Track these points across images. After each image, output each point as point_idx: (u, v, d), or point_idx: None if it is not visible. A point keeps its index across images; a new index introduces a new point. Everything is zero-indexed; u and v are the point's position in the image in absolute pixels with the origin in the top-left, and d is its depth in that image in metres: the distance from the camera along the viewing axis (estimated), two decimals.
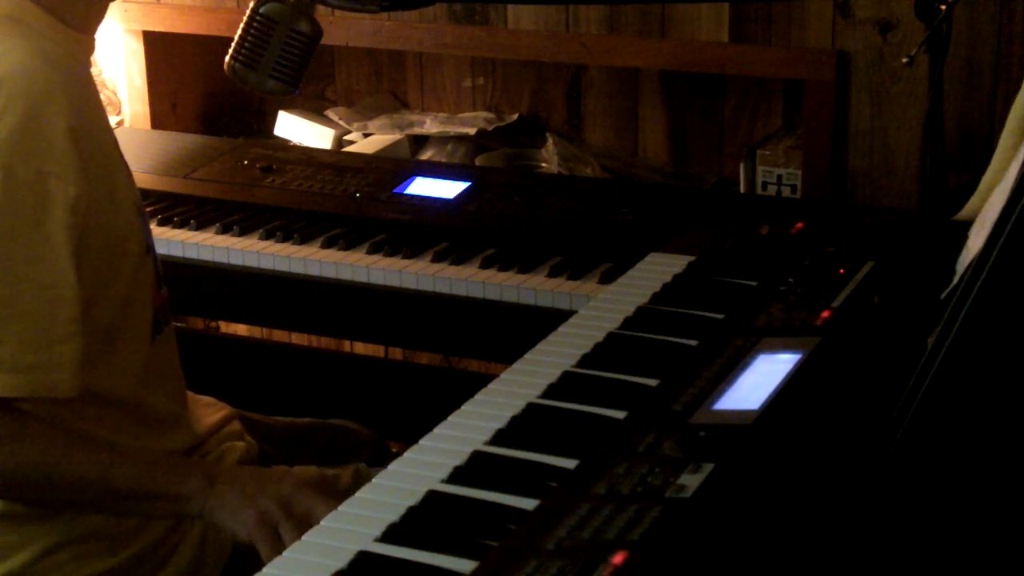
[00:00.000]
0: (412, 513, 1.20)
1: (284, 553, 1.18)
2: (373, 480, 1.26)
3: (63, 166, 1.52)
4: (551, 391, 1.41)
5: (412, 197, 2.44)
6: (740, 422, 1.27)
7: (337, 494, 1.44)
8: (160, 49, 2.98)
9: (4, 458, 1.52)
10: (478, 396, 1.41)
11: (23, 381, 1.51)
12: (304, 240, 2.36)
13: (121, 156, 1.70)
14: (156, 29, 2.94)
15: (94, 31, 1.69)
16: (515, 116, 2.86)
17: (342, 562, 1.13)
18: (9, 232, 1.50)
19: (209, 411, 1.91)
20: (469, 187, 2.44)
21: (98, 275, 1.59)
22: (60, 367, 1.53)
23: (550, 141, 2.76)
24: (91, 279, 1.57)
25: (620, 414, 1.33)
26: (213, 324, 3.17)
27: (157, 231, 2.33)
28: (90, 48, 1.70)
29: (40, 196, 1.51)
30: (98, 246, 1.59)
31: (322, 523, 1.21)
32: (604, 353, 1.50)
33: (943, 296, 1.39)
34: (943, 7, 1.88)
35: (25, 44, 1.55)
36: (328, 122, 2.94)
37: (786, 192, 2.52)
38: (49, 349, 1.52)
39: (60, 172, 1.52)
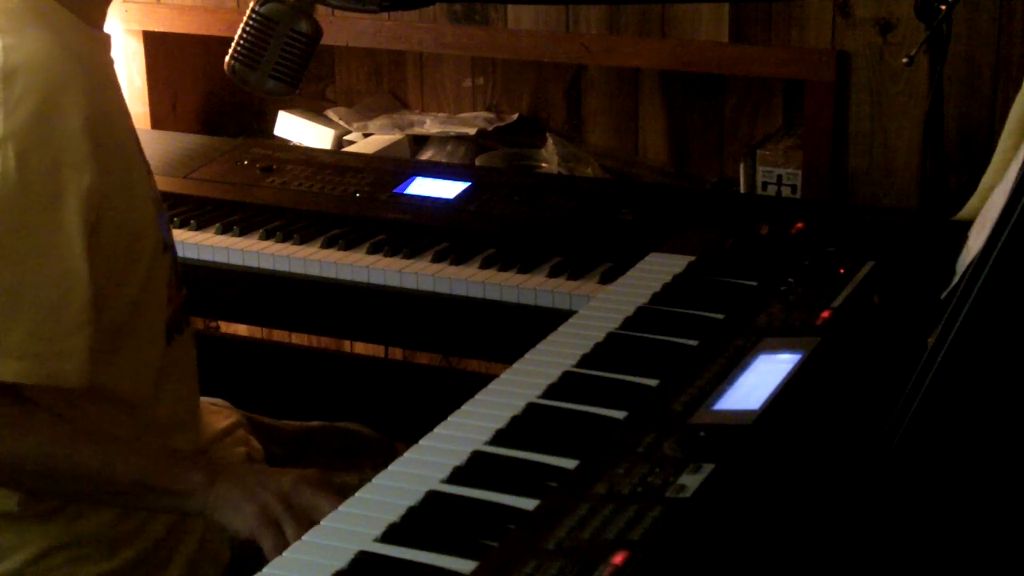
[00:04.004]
0: (412, 513, 1.20)
1: (284, 553, 1.18)
2: (373, 480, 1.26)
3: (78, 156, 1.52)
4: (551, 391, 1.41)
5: (412, 197, 2.44)
6: (740, 422, 1.27)
7: (340, 491, 1.44)
8: (160, 49, 2.98)
9: (8, 445, 1.51)
10: (478, 396, 1.41)
11: (31, 368, 1.50)
12: (304, 240, 2.36)
13: (141, 153, 1.70)
14: (156, 29, 2.94)
15: (101, 24, 1.69)
16: (515, 116, 2.86)
17: (342, 562, 1.13)
18: (23, 220, 1.50)
19: (216, 416, 1.91)
20: (469, 187, 2.44)
21: (111, 271, 1.59)
22: (69, 356, 1.52)
23: (550, 141, 2.76)
24: (104, 274, 1.57)
25: (620, 414, 1.33)
26: (213, 324, 3.17)
27: None
28: (106, 44, 1.70)
29: (54, 185, 1.51)
30: (112, 240, 1.58)
31: (322, 523, 1.21)
32: (604, 353, 1.50)
33: (943, 296, 1.39)
34: (943, 7, 1.88)
35: (44, 34, 1.55)
36: (328, 122, 2.94)
37: (786, 192, 2.52)
38: (59, 338, 1.52)
39: (75, 162, 1.52)
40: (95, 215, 1.54)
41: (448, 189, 2.44)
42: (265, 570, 1.16)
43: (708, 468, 1.18)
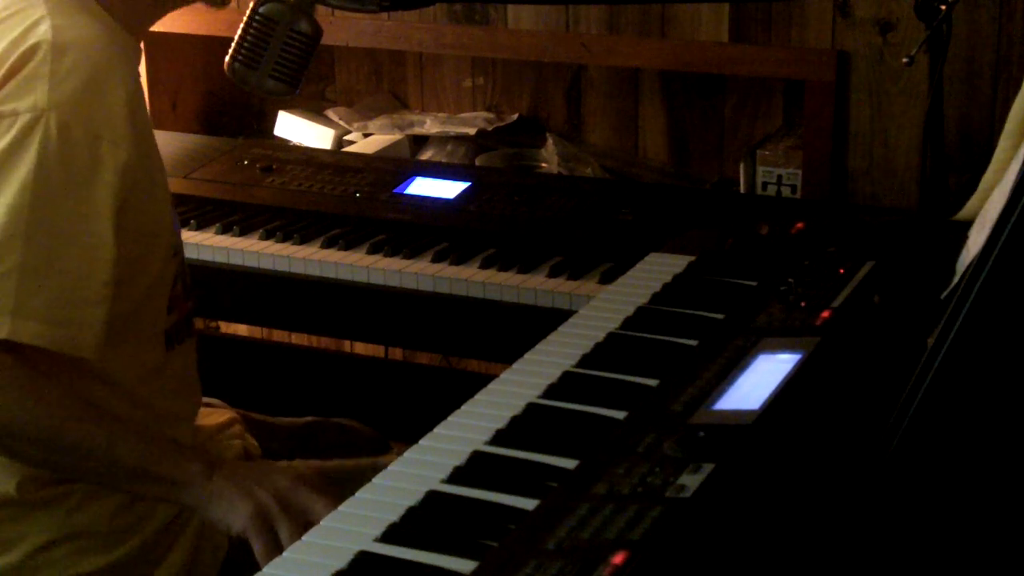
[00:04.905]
0: (412, 513, 1.20)
1: (284, 553, 1.18)
2: (373, 480, 1.26)
3: (118, 134, 1.57)
4: (551, 391, 1.41)
5: (412, 197, 2.44)
6: (740, 422, 1.27)
7: (336, 493, 1.44)
8: (160, 49, 2.98)
9: (15, 408, 1.52)
10: (478, 396, 1.41)
11: (49, 333, 1.53)
12: (304, 240, 2.36)
13: (159, 156, 1.73)
14: (156, 29, 2.91)
15: (139, 33, 1.75)
16: (515, 116, 2.86)
17: (342, 562, 1.13)
18: (59, 189, 1.54)
19: (212, 415, 1.91)
20: (469, 187, 2.44)
21: (126, 261, 1.60)
22: (87, 327, 1.55)
23: (550, 141, 2.76)
24: (120, 262, 1.58)
25: (620, 414, 1.33)
26: (213, 324, 3.17)
27: None
28: (138, 53, 1.75)
29: (92, 158, 1.55)
30: (132, 229, 1.61)
31: (322, 523, 1.21)
32: (604, 353, 1.50)
33: (943, 296, 1.39)
34: (943, 7, 1.88)
35: (92, 21, 1.62)
36: (328, 122, 2.94)
37: (786, 192, 2.52)
38: (80, 307, 1.55)
39: (114, 139, 1.56)
40: (125, 192, 1.58)
41: (448, 189, 2.44)
42: (265, 569, 1.16)
43: (708, 468, 1.18)
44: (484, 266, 2.23)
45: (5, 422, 1.52)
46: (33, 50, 1.55)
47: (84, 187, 1.55)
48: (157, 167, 1.71)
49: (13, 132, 1.53)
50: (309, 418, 2.10)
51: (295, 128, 2.94)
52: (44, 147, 1.53)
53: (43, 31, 1.56)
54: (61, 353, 1.55)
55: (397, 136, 2.84)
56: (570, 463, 1.25)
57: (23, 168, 1.52)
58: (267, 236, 2.38)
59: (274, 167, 2.58)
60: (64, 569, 1.66)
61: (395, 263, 2.26)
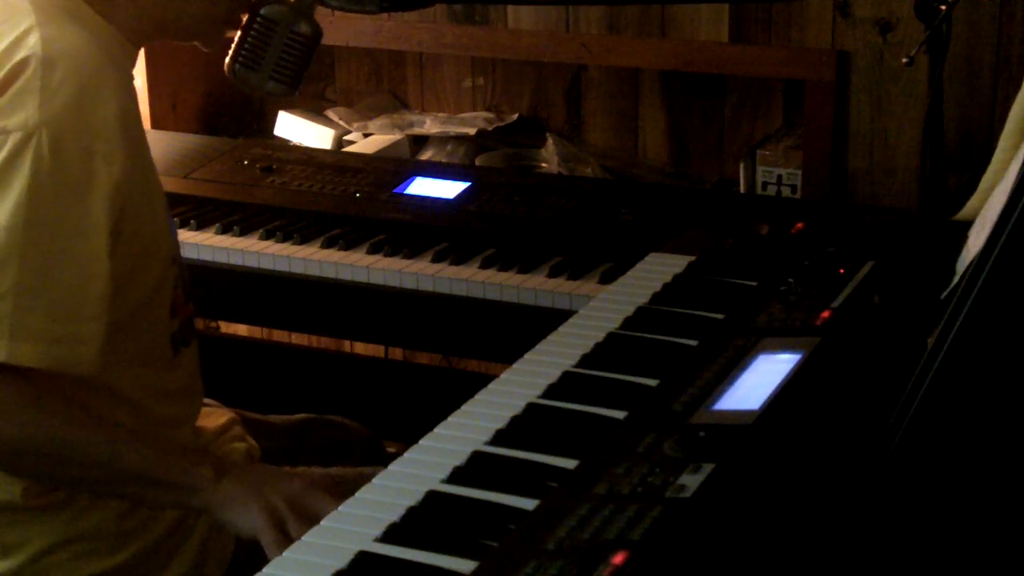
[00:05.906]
0: (412, 513, 1.20)
1: (285, 553, 1.18)
2: (373, 480, 1.26)
3: (111, 146, 1.55)
4: (551, 391, 1.41)
5: (412, 197, 2.44)
6: (740, 422, 1.27)
7: (345, 496, 1.44)
8: (160, 49, 2.98)
9: (18, 426, 1.51)
10: (478, 396, 1.41)
11: (47, 352, 1.51)
12: (304, 240, 2.36)
13: (154, 165, 1.72)
14: None
15: (140, 44, 1.72)
16: (515, 116, 2.86)
17: (342, 562, 1.13)
18: (52, 204, 1.52)
19: (210, 416, 1.91)
20: (469, 187, 2.44)
21: (123, 270, 1.60)
22: (85, 343, 1.54)
23: (550, 141, 2.76)
24: (116, 272, 1.58)
25: (620, 414, 1.33)
26: (213, 324, 3.17)
27: None
28: (133, 58, 1.72)
29: (86, 172, 1.53)
30: (129, 239, 1.60)
31: (322, 523, 1.21)
32: (604, 353, 1.50)
33: (943, 296, 1.39)
34: (943, 7, 1.88)
35: (80, 29, 1.59)
36: (328, 122, 2.94)
37: (786, 192, 2.52)
38: (77, 324, 1.53)
39: (107, 152, 1.54)
40: (120, 204, 1.56)
41: (448, 189, 2.44)
42: (265, 570, 1.16)
43: (708, 468, 1.18)
44: (484, 266, 2.23)
45: (8, 441, 1.52)
46: (23, 64, 1.53)
47: (78, 203, 1.53)
48: (153, 176, 1.69)
49: (5, 151, 1.50)
50: (302, 416, 2.10)
51: (295, 128, 2.94)
52: (37, 164, 1.50)
53: (33, 43, 1.54)
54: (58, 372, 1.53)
55: (397, 136, 2.84)
56: (570, 463, 1.25)
57: (16, 187, 1.50)
58: (267, 236, 2.38)
59: (274, 167, 2.58)
60: (68, 573, 1.65)
61: (395, 263, 2.26)
